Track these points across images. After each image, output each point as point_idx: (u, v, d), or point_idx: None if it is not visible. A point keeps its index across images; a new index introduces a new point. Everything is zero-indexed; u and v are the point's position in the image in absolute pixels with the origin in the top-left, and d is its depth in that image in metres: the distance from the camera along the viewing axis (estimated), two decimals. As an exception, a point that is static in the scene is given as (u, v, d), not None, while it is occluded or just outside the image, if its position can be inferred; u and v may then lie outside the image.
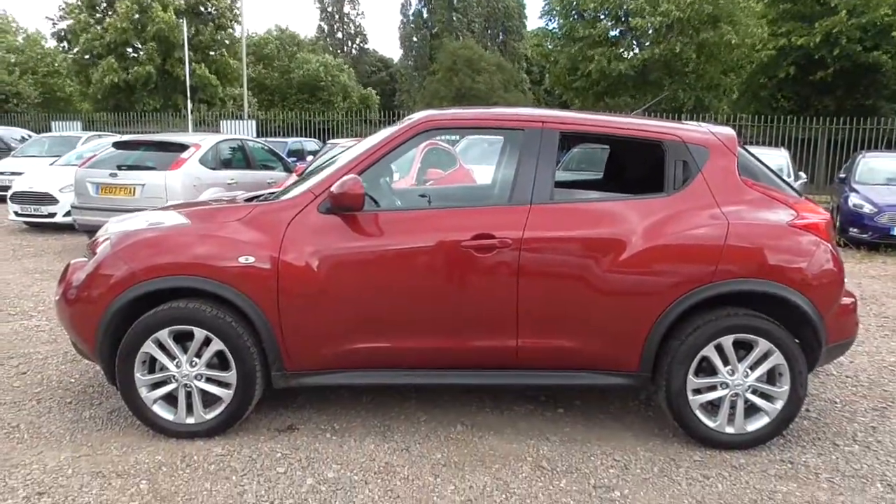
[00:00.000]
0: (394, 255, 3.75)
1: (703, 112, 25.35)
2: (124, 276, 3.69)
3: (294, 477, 3.46)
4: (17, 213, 11.41)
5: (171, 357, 3.75)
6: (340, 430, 4.01)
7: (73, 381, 4.70)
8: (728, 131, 4.05)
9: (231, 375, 3.75)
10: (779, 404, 3.78)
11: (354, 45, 63.39)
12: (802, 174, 13.54)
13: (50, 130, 23.61)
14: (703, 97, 26.20)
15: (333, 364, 3.82)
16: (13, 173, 13.71)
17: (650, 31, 25.34)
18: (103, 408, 4.25)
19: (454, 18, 52.80)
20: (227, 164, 10.24)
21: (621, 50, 27.07)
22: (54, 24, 36.31)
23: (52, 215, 11.20)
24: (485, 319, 3.77)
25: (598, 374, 3.86)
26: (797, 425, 4.13)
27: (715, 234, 3.69)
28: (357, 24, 63.72)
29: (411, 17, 56.14)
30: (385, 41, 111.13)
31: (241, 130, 24.60)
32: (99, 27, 34.40)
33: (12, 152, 16.43)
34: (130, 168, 9.21)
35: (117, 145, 9.88)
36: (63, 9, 35.59)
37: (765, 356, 3.73)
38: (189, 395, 3.79)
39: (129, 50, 34.79)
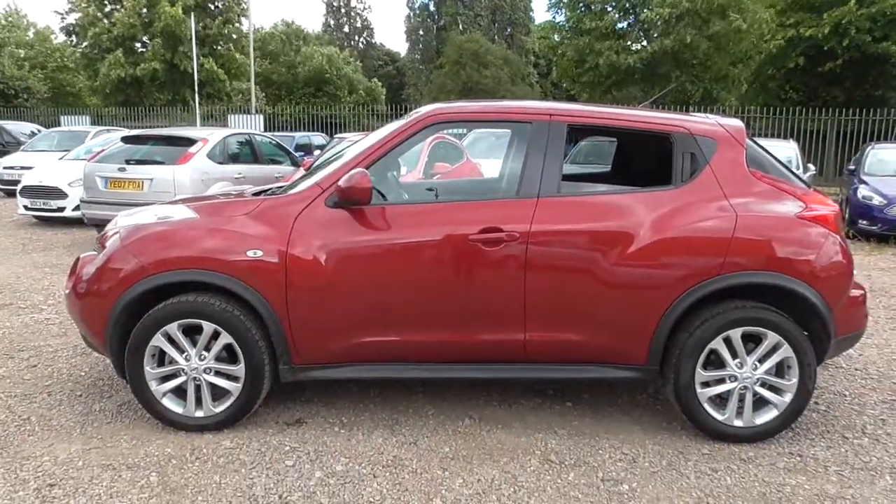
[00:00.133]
0: (401, 248, 3.75)
1: (712, 104, 25.24)
2: (134, 270, 3.71)
3: (303, 470, 3.47)
4: (26, 208, 11.46)
5: (181, 350, 3.77)
6: (349, 423, 4.02)
7: (83, 374, 4.73)
8: (736, 123, 4.03)
9: (239, 369, 3.76)
10: (787, 397, 3.77)
11: (361, 39, 63.32)
12: (811, 166, 13.47)
13: (59, 125, 23.74)
14: (711, 89, 26.09)
15: (341, 358, 3.83)
16: (23, 168, 13.78)
17: (659, 23, 25.23)
18: (113, 401, 4.28)
19: (461, 12, 52.64)
20: (234, 158, 10.26)
21: (629, 42, 26.97)
22: (63, 18, 36.43)
23: (61, 209, 11.24)
24: (492, 313, 3.77)
25: (606, 367, 3.86)
26: (806, 418, 4.13)
27: (723, 227, 3.67)
28: (364, 17, 63.69)
29: (417, 11, 56.03)
30: (392, 35, 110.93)
31: (249, 125, 24.63)
32: (106, 21, 34.45)
33: (22, 147, 16.49)
34: (139, 162, 9.24)
35: (126, 140, 9.91)
36: (72, 2, 35.66)
37: (773, 349, 3.73)
38: (198, 388, 3.81)
39: (137, 45, 34.85)
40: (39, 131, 18.97)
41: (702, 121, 4.02)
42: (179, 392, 3.84)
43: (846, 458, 3.72)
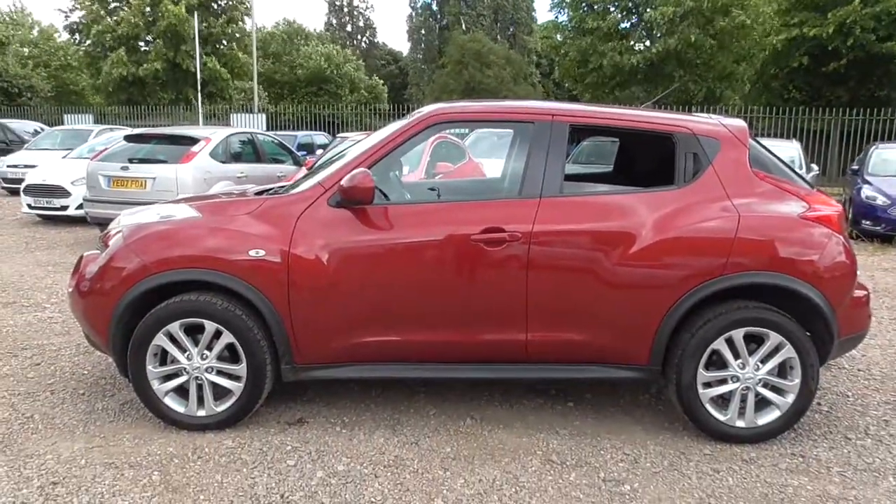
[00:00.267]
0: (403, 248, 3.75)
1: (715, 103, 25.21)
2: (136, 269, 3.71)
3: (304, 469, 3.47)
4: (30, 206, 11.48)
5: (183, 350, 3.77)
6: (350, 423, 4.02)
7: (85, 372, 4.74)
8: (739, 123, 4.03)
9: (241, 368, 3.76)
10: (790, 398, 3.77)
11: (364, 39, 63.30)
12: (814, 166, 13.44)
13: (62, 124, 23.75)
14: (714, 88, 26.06)
15: (343, 357, 3.83)
16: (26, 166, 13.80)
17: (662, 23, 25.20)
18: (116, 399, 4.28)
19: (463, 11, 52.63)
20: (237, 157, 10.27)
21: (632, 42, 26.94)
22: (66, 16, 36.44)
23: (64, 208, 11.26)
24: (494, 313, 3.77)
25: (607, 367, 3.85)
26: (808, 419, 4.12)
27: (726, 227, 3.67)
28: (366, 17, 63.67)
29: (420, 10, 56.00)
30: (394, 34, 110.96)
31: (252, 124, 24.64)
32: (110, 19, 34.49)
33: (25, 145, 16.53)
34: (142, 161, 9.25)
35: (129, 139, 9.93)
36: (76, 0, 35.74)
37: (776, 349, 3.72)
38: (200, 387, 3.81)
39: (141, 43, 34.89)
40: (43, 130, 19.01)
41: (704, 121, 4.01)
42: (181, 391, 3.85)
43: (849, 459, 3.71)
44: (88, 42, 35.98)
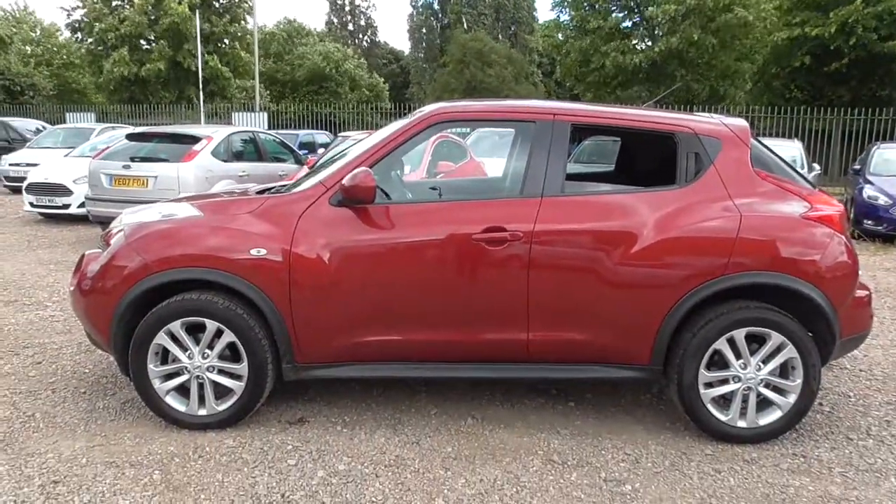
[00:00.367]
0: (405, 247, 3.75)
1: (718, 102, 25.21)
2: (138, 268, 3.71)
3: (305, 469, 3.47)
4: (32, 205, 11.49)
5: (184, 349, 3.77)
6: (351, 422, 4.02)
7: (87, 371, 4.74)
8: (741, 123, 4.02)
9: (243, 367, 3.76)
10: (791, 398, 3.76)
11: (365, 38, 63.26)
12: (816, 165, 13.43)
13: (64, 122, 23.77)
14: (717, 86, 26.05)
15: (344, 357, 3.83)
16: (28, 164, 13.82)
17: (664, 21, 25.20)
18: (117, 398, 4.28)
19: (464, 10, 52.58)
20: (238, 156, 10.27)
21: (634, 42, 26.94)
22: (69, 14, 36.48)
23: (66, 206, 11.27)
24: (496, 312, 3.76)
25: (609, 367, 3.85)
26: (810, 419, 4.12)
27: (727, 227, 3.66)
28: (367, 15, 63.61)
29: (420, 9, 55.93)
30: (396, 33, 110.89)
31: (253, 123, 24.64)
32: (112, 17, 34.49)
33: (27, 143, 16.54)
34: (144, 160, 9.25)
35: (130, 137, 9.94)
36: (79, -2, 35.81)
37: (777, 349, 3.72)
38: (201, 386, 3.81)
39: (143, 42, 34.90)
40: (45, 128, 19.02)
41: (706, 120, 4.01)
42: (182, 390, 3.85)
43: (850, 459, 3.71)
44: (90, 40, 36.00)
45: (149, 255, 3.72)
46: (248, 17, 37.19)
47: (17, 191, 13.33)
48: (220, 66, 34.82)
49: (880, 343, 5.71)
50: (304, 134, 20.93)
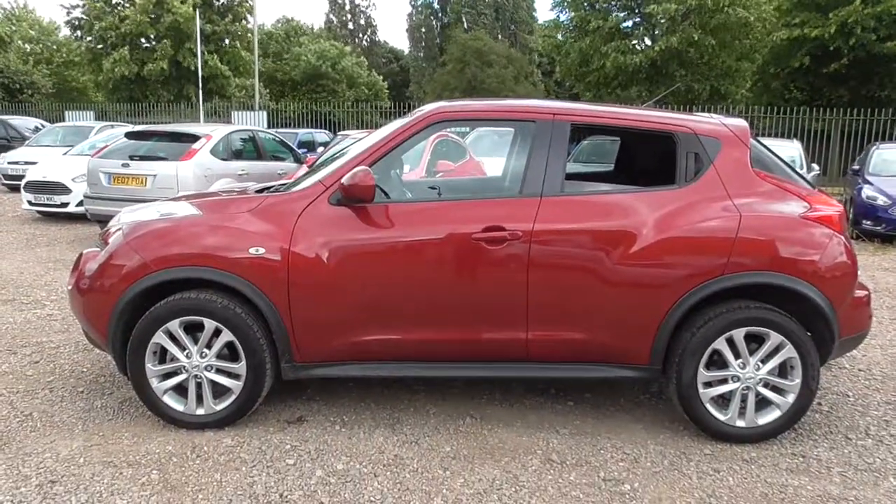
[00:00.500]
0: (404, 247, 3.75)
1: (720, 101, 25.21)
2: (136, 267, 3.71)
3: (303, 469, 3.47)
4: (30, 203, 11.48)
5: (182, 348, 3.76)
6: (350, 422, 4.01)
7: (84, 370, 4.73)
8: (740, 123, 4.02)
9: (241, 367, 3.76)
10: (790, 398, 3.76)
11: (365, 37, 63.22)
12: (815, 166, 13.42)
13: (63, 120, 23.73)
14: (718, 85, 26.06)
15: (343, 356, 3.82)
16: (27, 163, 13.80)
17: (663, 20, 25.20)
18: (114, 397, 4.28)
19: (464, 10, 52.56)
20: (238, 154, 10.27)
21: (634, 42, 26.94)
22: (69, 12, 36.44)
23: (64, 205, 11.26)
24: (495, 312, 3.76)
25: (608, 366, 3.85)
26: (809, 419, 4.11)
27: (727, 227, 3.66)
28: (367, 14, 63.57)
29: (420, 8, 55.90)
30: (396, 33, 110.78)
31: (253, 121, 24.63)
32: (112, 16, 34.46)
33: (26, 142, 16.54)
34: (142, 158, 9.24)
35: (130, 135, 9.94)
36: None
37: (776, 349, 3.71)
38: (199, 386, 3.80)
39: (143, 40, 34.88)
40: (44, 126, 19.00)
41: (706, 120, 4.00)
42: (181, 390, 3.84)
43: (849, 459, 3.71)
44: (90, 38, 35.98)
45: (147, 253, 3.71)
46: (248, 16, 37.18)
47: (15, 189, 13.30)
48: (219, 65, 34.79)
49: (879, 343, 5.71)
50: (304, 133, 20.94)
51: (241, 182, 9.26)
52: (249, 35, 35.74)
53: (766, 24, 24.83)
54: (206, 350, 3.77)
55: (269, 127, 24.07)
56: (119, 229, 3.93)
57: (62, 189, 11.24)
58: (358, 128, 24.36)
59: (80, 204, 10.17)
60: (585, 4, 27.53)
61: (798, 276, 3.67)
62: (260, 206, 3.81)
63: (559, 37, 32.67)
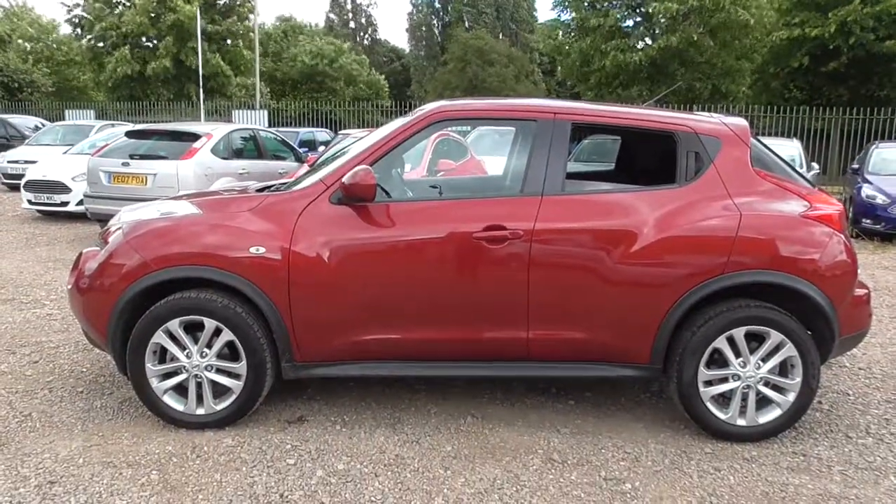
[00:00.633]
0: (405, 246, 3.74)
1: (721, 99, 25.20)
2: (136, 266, 3.70)
3: (304, 468, 3.46)
4: (30, 202, 11.48)
5: (182, 347, 3.75)
6: (350, 421, 4.01)
7: (84, 370, 4.73)
8: (741, 122, 4.02)
9: (241, 366, 3.75)
10: (791, 396, 3.76)
11: (366, 36, 63.20)
12: (815, 165, 13.43)
13: (63, 119, 23.72)
14: (719, 84, 26.06)
15: (344, 355, 3.82)
16: (27, 162, 13.80)
17: (663, 20, 25.19)
18: (114, 397, 4.27)
19: (464, 8, 52.55)
20: (238, 153, 10.26)
21: (633, 41, 26.93)
22: (69, 10, 36.42)
23: (64, 204, 11.25)
24: (496, 311, 3.76)
25: (609, 365, 3.85)
26: (809, 417, 4.11)
27: (727, 226, 3.66)
28: (368, 13, 63.57)
29: (420, 6, 55.87)
30: (398, 31, 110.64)
31: (254, 120, 24.62)
32: (112, 16, 34.44)
33: (26, 141, 16.52)
34: (143, 157, 9.23)
35: (130, 134, 9.92)
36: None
37: (777, 348, 3.71)
38: (199, 385, 3.80)
39: (143, 39, 34.86)
40: (44, 125, 18.98)
41: (706, 120, 4.00)
42: (181, 389, 3.83)
43: (850, 457, 3.71)
44: (90, 37, 35.95)
45: (147, 253, 3.70)
46: (249, 15, 37.17)
47: (15, 188, 13.30)
48: (222, 63, 34.78)
49: (879, 341, 5.71)
50: (305, 132, 20.92)
51: (241, 181, 9.25)
52: (251, 34, 35.74)
53: (765, 25, 24.81)
54: (206, 350, 3.76)
55: (270, 126, 24.06)
56: (119, 228, 3.93)
57: (62, 188, 11.23)
58: (359, 127, 24.33)
59: (80, 203, 10.16)
60: (586, 4, 27.52)
61: (798, 274, 3.67)
62: (260, 206, 3.80)
63: (560, 36, 32.63)
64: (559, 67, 34.08)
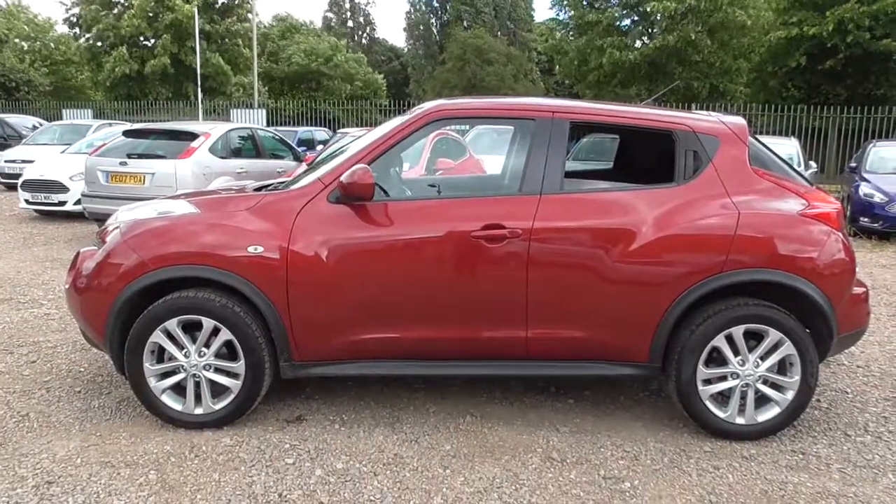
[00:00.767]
0: (403, 245, 3.74)
1: (719, 98, 25.21)
2: (134, 266, 3.69)
3: (303, 468, 3.46)
4: (27, 201, 11.45)
5: (180, 347, 3.75)
6: (349, 421, 4.01)
7: (82, 370, 4.72)
8: (739, 121, 4.02)
9: (240, 366, 3.74)
10: (789, 394, 3.76)
11: (364, 35, 63.13)
12: (813, 163, 13.44)
13: (61, 118, 23.69)
14: (717, 83, 26.08)
15: (342, 354, 3.81)
16: (24, 161, 13.77)
17: (661, 19, 25.20)
18: (112, 397, 4.26)
19: (463, 7, 52.51)
20: (237, 153, 10.25)
21: (630, 40, 26.96)
22: (67, 9, 36.37)
23: (62, 203, 11.23)
24: (494, 310, 3.75)
25: (608, 364, 3.85)
26: (808, 416, 4.11)
27: (725, 224, 3.66)
28: (366, 12, 63.48)
29: (419, 5, 55.79)
30: (396, 30, 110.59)
31: (252, 119, 24.61)
32: (111, 15, 34.40)
33: (24, 140, 16.49)
34: (141, 156, 9.22)
35: (128, 134, 9.91)
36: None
37: (775, 346, 3.71)
38: (198, 385, 3.79)
39: (141, 38, 34.83)
40: (41, 125, 18.95)
41: (704, 118, 4.00)
42: (179, 389, 3.82)
43: (848, 455, 3.71)
44: (88, 37, 35.91)
45: (145, 252, 3.70)
46: (249, 15, 37.16)
47: (12, 188, 13.28)
48: (222, 63, 34.76)
49: (877, 339, 5.71)
50: (303, 130, 20.91)
51: (239, 180, 9.23)
52: (249, 34, 35.72)
53: (763, 25, 24.84)
54: (204, 349, 3.75)
55: (268, 125, 24.06)
56: (117, 228, 3.92)
57: (59, 187, 11.21)
58: (358, 126, 24.32)
59: (78, 202, 10.16)
60: (584, 2, 27.53)
61: (796, 273, 3.67)
62: (258, 205, 3.80)
63: (557, 35, 32.64)
64: (557, 66, 34.06)
